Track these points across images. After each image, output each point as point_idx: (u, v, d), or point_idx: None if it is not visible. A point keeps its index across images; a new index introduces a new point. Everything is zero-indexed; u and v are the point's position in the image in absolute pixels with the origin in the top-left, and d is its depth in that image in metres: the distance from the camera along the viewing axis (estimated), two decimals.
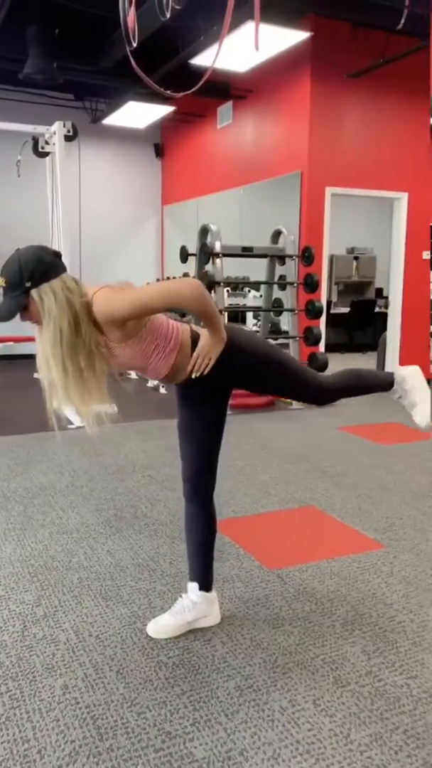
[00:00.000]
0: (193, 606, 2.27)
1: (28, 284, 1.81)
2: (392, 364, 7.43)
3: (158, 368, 2.00)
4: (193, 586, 2.29)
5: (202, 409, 2.16)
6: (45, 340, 1.88)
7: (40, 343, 1.92)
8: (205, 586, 2.29)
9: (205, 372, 1.98)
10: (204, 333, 1.99)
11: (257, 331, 6.87)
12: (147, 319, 1.92)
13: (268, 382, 2.19)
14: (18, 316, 1.89)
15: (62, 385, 1.89)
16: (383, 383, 2.40)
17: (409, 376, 2.38)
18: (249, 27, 5.09)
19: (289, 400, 6.30)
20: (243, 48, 5.48)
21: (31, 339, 6.92)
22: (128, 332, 1.89)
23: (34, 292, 1.82)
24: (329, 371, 6.56)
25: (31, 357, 7.76)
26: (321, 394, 2.26)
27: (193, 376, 1.99)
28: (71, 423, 5.35)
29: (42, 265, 1.83)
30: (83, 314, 1.84)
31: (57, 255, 1.91)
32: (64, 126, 5.28)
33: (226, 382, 2.12)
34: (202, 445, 2.20)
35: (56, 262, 1.87)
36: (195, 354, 1.97)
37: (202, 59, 5.90)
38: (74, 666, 2.08)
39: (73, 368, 1.87)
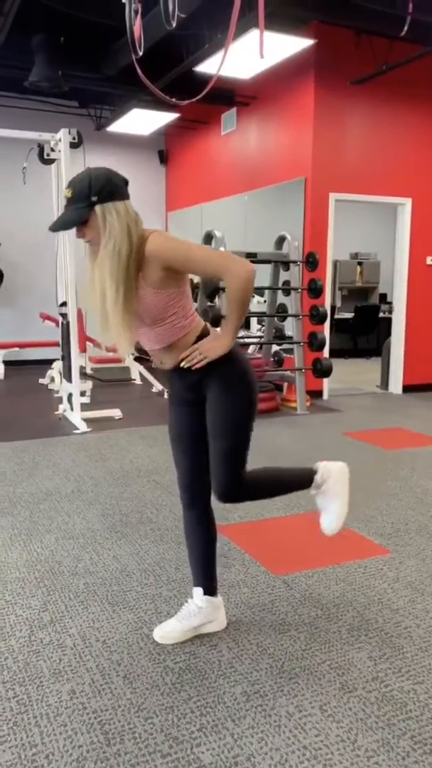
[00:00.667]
0: (198, 611, 2.27)
1: (94, 199, 1.85)
2: (397, 369, 7.43)
3: (161, 336, 1.99)
4: (198, 591, 2.29)
5: (191, 409, 2.14)
6: (104, 258, 1.87)
7: (97, 263, 1.91)
8: (210, 590, 2.30)
9: (194, 367, 1.98)
10: (213, 333, 2.01)
11: (261, 336, 6.88)
12: (184, 282, 1.96)
13: (230, 419, 2.03)
14: (76, 232, 1.92)
15: (113, 306, 1.88)
16: (302, 481, 2.22)
17: (333, 474, 2.23)
18: (253, 34, 5.12)
19: (293, 405, 6.30)
20: (247, 55, 5.51)
21: (37, 344, 6.99)
22: (164, 281, 1.90)
23: (98, 208, 1.86)
24: (333, 375, 6.53)
25: (36, 363, 7.84)
26: (242, 483, 2.08)
27: (182, 365, 2.00)
28: (76, 429, 5.37)
29: (111, 185, 1.88)
30: (135, 246, 1.87)
31: (126, 181, 1.94)
32: (69, 133, 5.30)
33: (206, 388, 2.05)
34: (194, 452, 2.18)
35: (123, 187, 1.92)
36: (194, 346, 1.99)
37: (207, 67, 5.93)
38: (81, 671, 2.09)
39: (125, 290, 1.87)
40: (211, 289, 5.78)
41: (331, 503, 2.24)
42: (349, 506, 2.27)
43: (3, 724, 1.83)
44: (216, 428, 2.04)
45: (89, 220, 1.88)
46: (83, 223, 1.89)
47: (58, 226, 1.92)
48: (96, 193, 1.85)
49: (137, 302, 1.93)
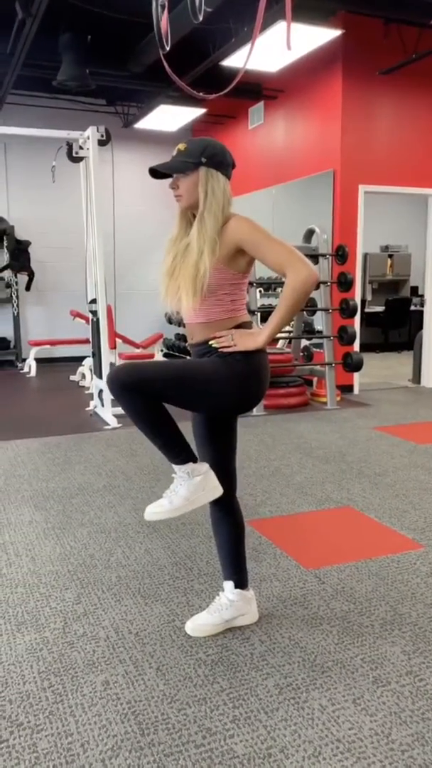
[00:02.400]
0: (230, 604, 2.28)
1: (204, 160, 1.93)
2: (429, 363, 7.33)
3: (207, 309, 2.01)
4: (228, 585, 2.30)
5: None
6: (206, 217, 1.94)
7: (197, 220, 1.96)
8: (241, 584, 2.30)
9: (219, 349, 1.99)
10: (253, 329, 2.04)
11: (291, 331, 6.85)
12: (247, 271, 2.00)
13: (220, 428, 2.16)
14: (172, 180, 1.99)
15: (208, 261, 1.92)
16: (179, 448, 2.04)
17: (205, 483, 2.07)
18: (280, 27, 5.09)
19: (323, 399, 6.27)
20: (274, 48, 5.49)
21: (68, 342, 7.06)
22: (231, 261, 1.95)
23: (203, 169, 1.94)
24: (364, 370, 6.47)
25: (67, 360, 7.93)
26: (133, 384, 1.90)
27: (211, 342, 2.01)
28: (107, 425, 5.42)
29: (223, 157, 1.97)
30: (223, 215, 1.96)
31: (234, 165, 2.03)
32: (98, 131, 5.34)
33: (221, 377, 2.03)
34: (218, 446, 2.20)
35: (230, 168, 2.01)
36: (231, 330, 2.01)
37: (234, 60, 5.91)
38: (115, 662, 2.11)
39: (213, 251, 1.93)
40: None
41: (178, 496, 2.06)
42: (178, 513, 2.09)
43: (39, 714, 1.87)
44: (220, 409, 2.08)
45: (190, 176, 1.95)
46: (182, 175, 1.96)
47: (162, 167, 1.98)
48: (208, 156, 1.94)
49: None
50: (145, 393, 1.92)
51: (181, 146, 1.97)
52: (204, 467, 2.09)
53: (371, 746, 1.73)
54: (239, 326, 2.03)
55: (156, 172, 2.00)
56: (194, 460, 2.08)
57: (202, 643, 2.22)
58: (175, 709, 1.88)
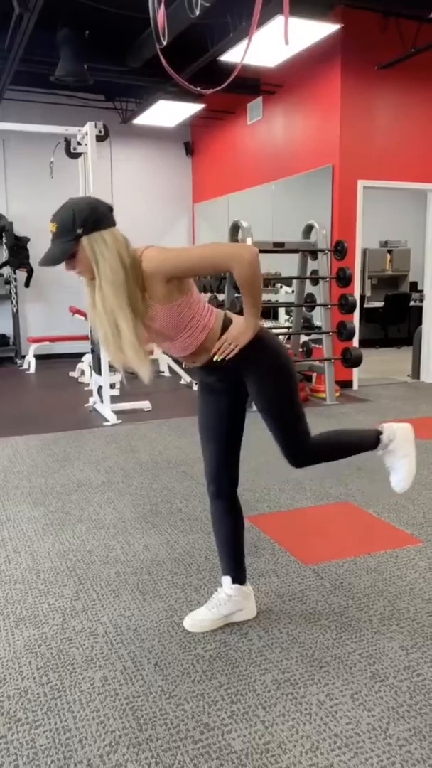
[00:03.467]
0: (228, 599, 2.28)
1: (79, 231, 1.81)
2: (428, 358, 7.33)
3: (187, 343, 2.00)
4: (227, 580, 2.30)
5: (222, 400, 2.16)
6: (105, 288, 1.83)
7: (98, 294, 1.86)
8: (239, 579, 2.30)
9: (228, 357, 1.98)
10: (237, 320, 2.00)
11: (289, 327, 6.84)
12: (190, 287, 1.93)
13: (277, 402, 2.08)
14: (65, 266, 1.89)
15: (128, 330, 1.84)
16: (369, 442, 2.28)
17: (398, 435, 2.28)
18: (278, 21, 5.07)
19: (322, 395, 6.26)
20: (272, 43, 5.46)
21: (67, 338, 7.09)
22: (171, 293, 1.88)
23: (85, 240, 1.82)
24: (363, 365, 6.48)
25: (66, 356, 7.93)
26: (307, 447, 2.15)
27: (216, 358, 1.99)
28: (107, 421, 5.42)
29: (96, 214, 1.83)
30: (131, 269, 1.83)
31: (110, 208, 1.90)
32: (96, 126, 5.33)
33: (243, 375, 2.07)
34: (223, 442, 2.20)
35: (109, 215, 1.87)
36: (223, 337, 1.98)
37: (232, 56, 5.89)
38: (113, 658, 2.11)
39: (132, 313, 1.85)
40: None
41: (399, 463, 2.28)
42: (416, 466, 2.32)
43: (38, 709, 1.87)
44: (266, 408, 2.08)
45: (77, 253, 1.84)
46: (71, 256, 1.85)
47: (47, 261, 1.86)
48: (81, 225, 1.80)
49: (152, 321, 1.92)
50: (316, 448, 2.18)
51: (52, 227, 1.84)
52: (383, 427, 2.30)
53: (369, 741, 1.73)
54: (224, 325, 2.00)
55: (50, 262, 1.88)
56: (378, 433, 2.28)
57: (200, 638, 2.22)
58: (173, 704, 1.89)
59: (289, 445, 2.14)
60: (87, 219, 1.81)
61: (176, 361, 7.30)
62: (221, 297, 6.90)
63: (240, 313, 2.03)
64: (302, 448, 2.14)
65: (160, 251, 1.86)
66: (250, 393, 2.10)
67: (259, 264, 1.87)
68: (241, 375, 2.06)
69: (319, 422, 5.37)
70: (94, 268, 1.84)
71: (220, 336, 1.99)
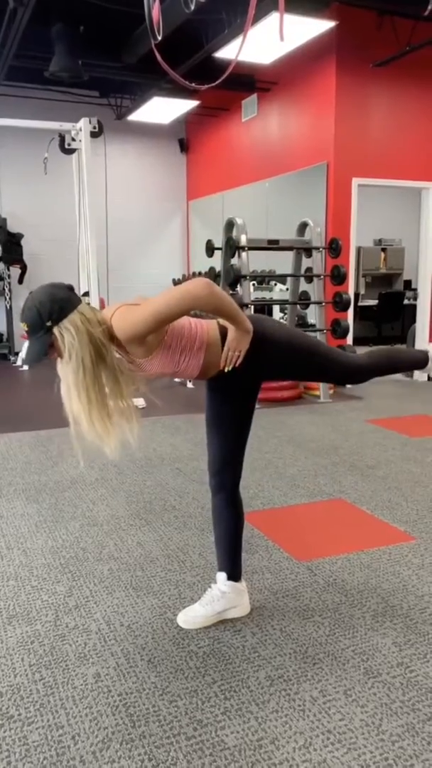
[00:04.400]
0: (222, 596, 2.28)
1: (48, 323, 1.85)
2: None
3: (189, 369, 2.03)
4: (221, 576, 2.30)
5: (232, 400, 2.18)
6: (68, 374, 1.91)
7: (63, 377, 1.96)
8: (233, 575, 2.30)
9: (237, 364, 1.99)
10: (231, 328, 1.99)
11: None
12: (167, 328, 1.94)
13: (300, 370, 2.22)
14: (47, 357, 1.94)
15: (86, 415, 1.92)
16: (417, 361, 2.44)
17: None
18: (273, 18, 5.07)
19: (316, 393, 6.27)
20: (267, 40, 5.46)
21: None
22: (150, 345, 1.92)
23: (55, 330, 1.86)
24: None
25: None
26: (353, 373, 2.30)
27: (226, 370, 2.01)
28: None
29: (57, 302, 1.86)
30: (105, 341, 1.88)
31: (70, 288, 1.94)
32: (90, 122, 5.31)
33: (258, 372, 2.12)
34: (230, 437, 2.21)
35: (70, 296, 1.90)
36: (225, 348, 1.99)
37: (227, 52, 5.88)
38: (106, 655, 2.11)
39: (96, 396, 1.91)
40: (232, 278, 5.77)
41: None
42: None
43: (30, 706, 1.86)
44: (300, 377, 2.29)
45: (54, 342, 1.89)
46: (50, 347, 1.90)
47: (31, 359, 1.93)
48: (48, 317, 1.84)
49: (141, 375, 2.00)
50: (367, 369, 2.28)
51: (24, 326, 1.89)
52: (428, 348, 2.42)
53: (362, 737, 1.73)
54: (222, 337, 2.00)
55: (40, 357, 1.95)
56: (426, 353, 2.40)
57: (194, 635, 2.22)
58: (166, 701, 1.89)
59: (339, 378, 2.39)
60: (51, 310, 1.85)
61: None
62: None
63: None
64: (350, 371, 2.28)
65: (126, 317, 1.86)
66: (274, 375, 2.23)
67: (215, 292, 1.85)
68: (259, 370, 2.09)
69: (312, 420, 5.38)
70: (65, 356, 1.89)
71: (222, 343, 2.00)
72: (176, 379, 7.07)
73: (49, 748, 1.70)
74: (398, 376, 7.58)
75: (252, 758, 1.66)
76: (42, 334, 1.87)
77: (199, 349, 1.99)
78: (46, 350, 1.90)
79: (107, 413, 1.95)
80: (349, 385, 2.28)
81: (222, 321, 2.03)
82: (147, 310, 1.83)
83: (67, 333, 1.85)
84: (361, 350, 7.14)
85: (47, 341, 1.88)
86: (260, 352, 2.01)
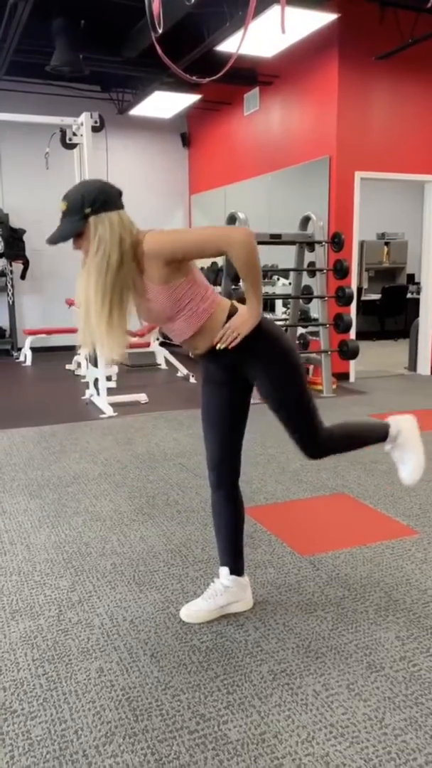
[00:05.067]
0: (224, 590, 2.28)
1: (87, 210, 1.87)
2: (425, 350, 7.33)
3: (185, 326, 2.00)
4: (224, 571, 2.30)
5: (224, 390, 2.15)
6: (91, 269, 1.90)
7: (86, 272, 1.93)
8: (236, 570, 2.30)
9: (230, 346, 1.98)
10: (242, 309, 2.00)
11: (287, 319, 6.83)
12: (190, 269, 1.95)
13: (283, 391, 2.06)
14: (72, 243, 1.94)
15: (97, 314, 1.91)
16: (378, 435, 2.30)
17: (404, 428, 2.30)
18: (275, 11, 5.03)
19: (319, 387, 6.26)
20: (269, 33, 5.43)
21: (63, 331, 7.05)
22: (170, 275, 1.91)
23: (91, 219, 1.88)
24: (359, 358, 6.46)
25: (62, 349, 7.91)
26: (321, 439, 2.14)
27: (218, 347, 1.99)
28: (103, 413, 5.41)
29: (104, 195, 1.90)
30: (130, 251, 1.89)
31: (120, 193, 1.96)
32: (91, 117, 5.29)
33: (246, 366, 2.06)
34: (225, 430, 2.19)
35: (118, 199, 1.93)
36: (226, 326, 1.98)
37: (228, 46, 5.85)
38: (109, 650, 2.11)
39: (111, 299, 1.90)
40: (234, 273, 5.75)
41: (407, 455, 2.29)
42: (424, 457, 2.32)
43: (33, 701, 1.87)
44: (274, 401, 2.08)
45: (84, 232, 1.89)
46: (79, 235, 1.91)
47: (55, 239, 1.93)
48: (90, 204, 1.86)
49: (150, 302, 1.95)
50: (328, 441, 2.16)
51: (62, 206, 1.90)
52: (390, 420, 2.29)
53: (364, 731, 1.73)
54: (230, 314, 2.00)
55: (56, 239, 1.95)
56: (387, 426, 2.27)
57: (196, 629, 2.22)
58: (169, 695, 1.89)
59: (302, 435, 2.13)
60: (96, 199, 1.87)
61: (173, 352, 7.29)
62: (218, 289, 6.88)
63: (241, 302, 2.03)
64: (314, 439, 2.14)
65: (161, 234, 1.90)
66: (257, 383, 2.09)
67: (254, 244, 1.88)
68: (246, 365, 2.05)
69: None
70: (92, 247, 1.89)
71: (225, 323, 1.99)
72: (178, 374, 7.07)
73: (53, 743, 1.70)
74: (402, 370, 7.56)
75: (255, 752, 1.66)
76: (77, 219, 1.88)
77: (203, 312, 1.98)
78: (74, 235, 1.91)
79: (117, 318, 1.93)
80: (307, 454, 2.11)
81: (236, 303, 2.05)
82: (182, 234, 1.90)
83: (102, 226, 1.87)
84: (363, 345, 7.06)
85: (79, 228, 1.89)
86: (257, 346, 2.00)
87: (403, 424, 2.30)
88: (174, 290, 1.93)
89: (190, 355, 2.22)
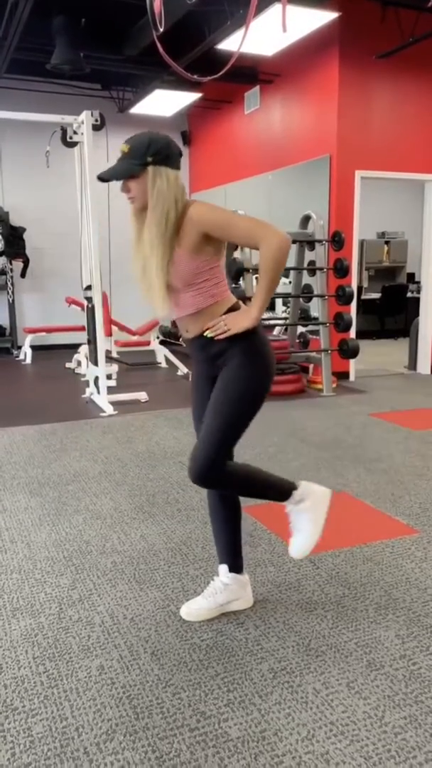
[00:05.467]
0: (224, 588, 2.28)
1: (149, 159, 1.90)
2: (425, 349, 7.33)
3: (191, 301, 2.02)
4: (223, 568, 2.30)
5: (208, 384, 2.13)
6: (151, 222, 1.93)
7: (145, 225, 1.96)
8: (235, 568, 2.31)
9: (217, 337, 1.99)
10: (243, 309, 2.03)
11: (287, 318, 6.83)
12: (218, 252, 1.99)
13: (227, 399, 1.99)
14: (122, 184, 1.97)
15: (158, 267, 1.94)
16: (280, 492, 2.13)
17: (312, 497, 2.16)
18: (276, 10, 5.03)
19: (319, 386, 6.27)
20: (270, 31, 5.42)
21: (63, 329, 7.04)
22: (200, 247, 1.94)
23: (151, 169, 1.91)
24: (359, 357, 6.46)
25: (62, 347, 7.91)
26: (218, 467, 2.01)
27: (206, 334, 2.01)
28: (103, 412, 5.41)
29: (168, 151, 1.93)
30: (180, 213, 1.93)
31: (180, 153, 1.99)
32: (92, 115, 5.29)
33: (223, 364, 2.03)
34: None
35: (178, 158, 1.97)
36: (221, 316, 2.01)
37: (229, 44, 5.84)
38: (109, 647, 2.12)
39: (169, 254, 1.94)
40: (236, 270, 5.75)
41: (305, 525, 2.16)
42: (321, 535, 2.18)
43: (34, 698, 1.87)
44: (217, 403, 2.01)
45: (139, 177, 1.92)
46: (130, 178, 1.93)
47: (109, 174, 1.96)
48: (153, 154, 1.90)
49: (172, 264, 1.98)
50: (226, 473, 2.03)
51: (125, 147, 1.93)
52: (301, 483, 2.17)
53: (364, 729, 1.74)
54: (230, 309, 2.03)
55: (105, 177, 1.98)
56: (293, 487, 2.15)
57: (196, 628, 2.23)
58: (169, 693, 1.89)
59: (205, 449, 2.00)
60: (160, 151, 1.91)
61: (173, 350, 7.28)
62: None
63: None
64: (214, 467, 2.00)
65: (209, 206, 1.95)
66: (218, 380, 2.04)
67: (287, 252, 1.90)
68: (223, 362, 2.04)
69: (315, 413, 5.38)
70: (149, 199, 1.92)
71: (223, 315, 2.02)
72: (178, 372, 7.07)
73: (53, 740, 1.71)
74: (402, 369, 7.57)
75: (255, 750, 1.67)
76: (136, 164, 1.91)
77: (211, 296, 2.01)
78: (127, 176, 1.93)
79: (169, 276, 1.97)
80: (194, 476, 1.99)
81: (240, 303, 2.07)
82: (227, 214, 1.92)
83: (160, 180, 1.91)
84: (363, 344, 7.07)
85: (135, 171, 1.92)
86: (239, 350, 1.99)
87: (315, 495, 2.17)
88: (197, 263, 1.96)
89: (181, 341, 2.23)
